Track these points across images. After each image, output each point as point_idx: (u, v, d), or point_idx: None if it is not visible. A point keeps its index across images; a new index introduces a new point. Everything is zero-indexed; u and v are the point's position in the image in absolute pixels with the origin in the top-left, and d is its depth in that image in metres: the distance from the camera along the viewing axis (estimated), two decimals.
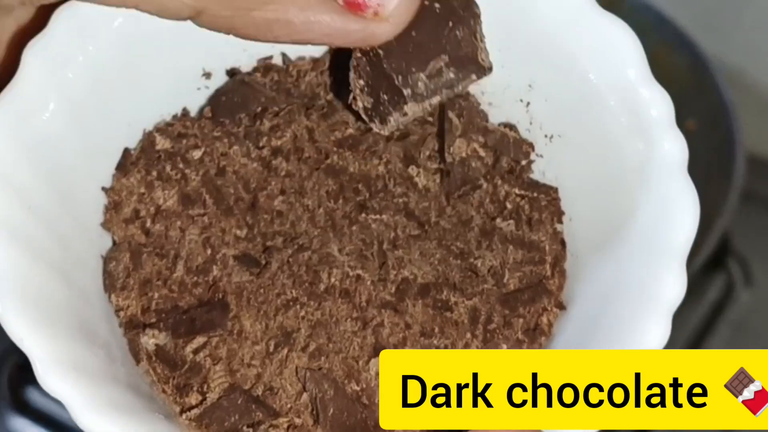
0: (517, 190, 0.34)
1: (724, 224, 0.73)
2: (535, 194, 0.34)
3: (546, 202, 0.34)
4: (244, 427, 0.30)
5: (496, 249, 0.33)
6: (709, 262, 0.73)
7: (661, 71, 0.91)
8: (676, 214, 0.30)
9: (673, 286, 0.30)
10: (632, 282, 0.30)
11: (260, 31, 0.27)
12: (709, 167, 0.79)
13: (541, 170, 0.35)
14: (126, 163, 0.33)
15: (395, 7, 0.28)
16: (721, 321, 0.87)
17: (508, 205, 0.33)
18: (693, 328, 0.87)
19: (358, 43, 0.28)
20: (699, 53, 0.83)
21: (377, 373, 0.30)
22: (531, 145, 0.35)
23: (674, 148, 0.32)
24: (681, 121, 0.90)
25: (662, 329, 0.30)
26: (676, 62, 0.84)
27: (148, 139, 0.33)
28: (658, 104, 0.33)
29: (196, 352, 0.31)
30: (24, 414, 0.82)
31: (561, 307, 0.32)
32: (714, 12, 0.99)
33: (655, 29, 0.86)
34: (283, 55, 0.35)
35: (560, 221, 0.34)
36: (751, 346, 0.86)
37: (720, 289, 0.90)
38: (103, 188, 0.33)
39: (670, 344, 0.94)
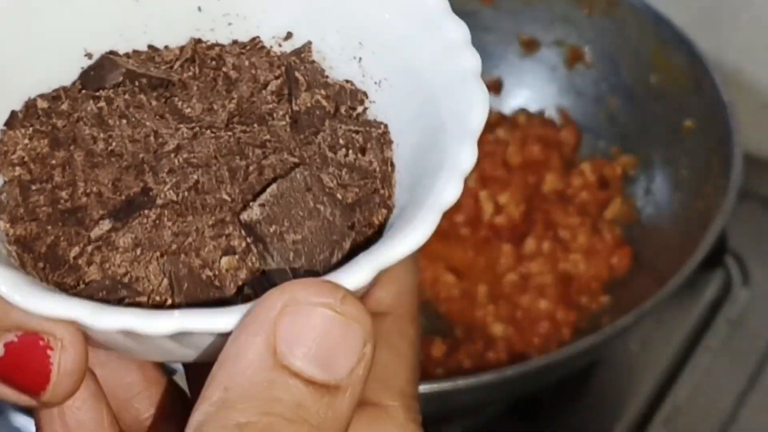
0: (352, 127, 0.40)
1: (722, 223, 0.74)
2: (367, 129, 0.40)
3: (377, 134, 0.40)
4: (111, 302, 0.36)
5: (332, 172, 0.39)
6: (707, 260, 0.73)
7: (659, 71, 0.92)
8: (472, 109, 0.38)
9: (467, 157, 0.37)
10: (437, 162, 0.37)
11: None
12: (707, 166, 0.80)
13: (374, 115, 0.41)
14: (13, 121, 0.40)
15: (53, 395, 0.33)
16: (719, 319, 0.88)
17: (344, 140, 0.40)
18: (691, 325, 0.87)
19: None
20: (697, 53, 0.83)
21: (227, 268, 0.36)
22: (365, 94, 0.41)
23: (470, 62, 0.39)
24: (679, 121, 0.91)
25: (457, 188, 0.36)
26: (674, 62, 0.85)
27: (31, 102, 0.41)
28: (455, 29, 0.40)
29: (74, 258, 0.37)
30: (27, 411, 0.82)
31: (388, 208, 0.39)
32: (712, 12, 1.00)
33: (653, 29, 0.87)
34: (149, 46, 0.42)
35: (390, 149, 0.40)
36: (747, 344, 0.86)
37: (717, 288, 0.90)
38: None
39: (670, 342, 0.95)
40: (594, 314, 0.80)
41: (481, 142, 0.94)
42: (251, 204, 0.37)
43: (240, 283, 0.36)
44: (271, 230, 0.36)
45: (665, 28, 0.86)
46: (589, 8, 0.91)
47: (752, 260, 0.92)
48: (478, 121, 0.38)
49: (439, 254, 0.85)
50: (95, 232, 0.37)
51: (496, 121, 0.95)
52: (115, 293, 0.36)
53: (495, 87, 0.97)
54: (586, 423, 0.81)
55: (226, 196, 0.38)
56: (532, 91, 0.96)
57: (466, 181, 0.36)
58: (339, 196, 0.38)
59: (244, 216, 0.37)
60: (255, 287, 0.36)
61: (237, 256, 0.36)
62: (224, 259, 0.36)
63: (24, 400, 0.34)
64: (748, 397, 0.83)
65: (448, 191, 0.36)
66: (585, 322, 0.80)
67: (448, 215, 0.89)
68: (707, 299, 0.90)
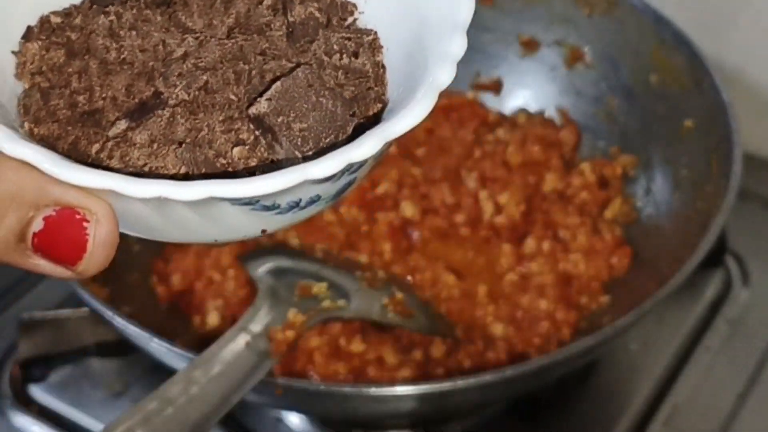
0: (344, 35, 0.44)
1: (722, 223, 0.74)
2: (359, 36, 0.44)
3: (367, 40, 0.44)
4: None
5: (329, 74, 0.42)
6: (707, 260, 0.73)
7: (659, 71, 0.92)
8: (457, 6, 0.42)
9: (458, 45, 0.40)
10: (428, 56, 0.41)
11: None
12: (706, 166, 0.80)
13: (364, 24, 0.45)
14: (29, 34, 0.43)
15: (87, 266, 0.37)
16: (719, 318, 0.88)
17: (338, 46, 0.43)
18: (691, 325, 0.87)
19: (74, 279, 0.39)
20: (696, 53, 0.84)
21: (239, 157, 0.40)
22: (354, 5, 0.45)
23: None
24: (679, 121, 0.91)
25: (451, 71, 0.40)
26: (675, 62, 0.85)
27: (45, 18, 0.44)
28: None
29: (96, 153, 0.40)
30: (27, 411, 0.82)
31: (383, 102, 0.43)
32: (711, 12, 1.00)
33: (654, 29, 0.87)
34: None
35: (380, 53, 0.44)
36: (747, 343, 0.87)
37: (717, 287, 0.91)
38: (13, 51, 0.43)
39: (670, 341, 0.95)
40: (594, 314, 0.80)
41: (481, 142, 0.95)
42: (258, 99, 0.40)
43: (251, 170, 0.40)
44: (279, 120, 0.40)
45: (665, 28, 0.86)
46: (589, 8, 0.91)
47: (752, 260, 0.92)
48: (464, 14, 0.42)
49: (439, 254, 0.85)
50: (113, 131, 0.40)
51: (496, 121, 0.95)
52: None
53: (495, 87, 0.97)
54: (586, 423, 0.81)
55: (233, 96, 0.41)
56: (532, 91, 0.96)
57: (458, 67, 0.40)
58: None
59: (253, 110, 0.40)
60: (266, 172, 0.38)
61: (247, 147, 0.40)
62: (235, 150, 0.40)
63: (59, 271, 0.37)
64: (748, 396, 0.83)
65: (443, 74, 0.39)
66: (585, 322, 0.80)
67: (448, 215, 0.89)
68: (707, 299, 0.90)
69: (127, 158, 0.39)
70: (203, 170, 0.39)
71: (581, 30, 0.92)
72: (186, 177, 0.39)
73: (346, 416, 0.66)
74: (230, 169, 0.39)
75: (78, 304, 0.86)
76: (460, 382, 0.64)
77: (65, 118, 0.41)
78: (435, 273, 0.82)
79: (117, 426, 0.60)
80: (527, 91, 0.96)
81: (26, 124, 0.41)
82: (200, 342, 0.79)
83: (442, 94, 0.39)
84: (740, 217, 0.85)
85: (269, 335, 0.69)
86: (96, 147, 0.40)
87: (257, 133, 0.40)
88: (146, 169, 0.39)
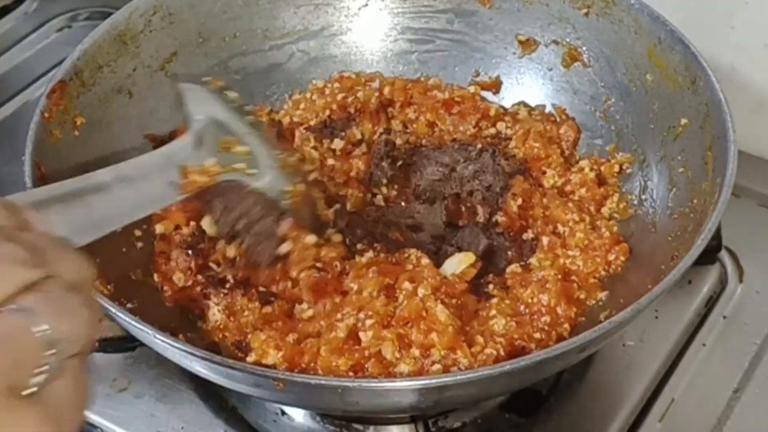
0: None
1: (717, 220, 0.74)
2: None
3: None
4: None
5: None
6: (702, 257, 0.74)
7: (655, 70, 0.92)
8: None
9: None
10: None
11: None
12: (702, 164, 0.81)
13: None
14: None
15: None
16: (714, 314, 0.89)
17: None
18: (687, 321, 0.88)
19: None
20: (692, 52, 0.84)
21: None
22: None
23: None
24: (675, 119, 0.91)
25: None
26: (670, 61, 0.86)
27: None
28: None
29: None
30: None
31: None
32: (707, 11, 1.01)
33: (650, 29, 0.87)
34: None
35: None
36: (743, 338, 0.87)
37: (713, 283, 0.91)
38: None
39: (666, 337, 0.95)
40: (592, 309, 0.81)
41: (483, 135, 0.95)
42: None
43: None
44: None
45: (661, 27, 0.86)
46: (587, 8, 0.92)
47: (747, 256, 0.93)
48: None
49: None
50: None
51: (497, 115, 0.95)
52: None
53: (494, 86, 0.98)
54: (583, 416, 0.82)
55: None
56: (530, 90, 0.97)
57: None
58: None
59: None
60: None
61: None
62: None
63: None
64: (743, 391, 0.83)
65: None
66: (583, 317, 0.80)
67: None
68: (703, 295, 0.90)
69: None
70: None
71: (578, 30, 0.93)
72: None
73: (347, 410, 0.66)
74: None
75: None
76: (460, 376, 0.65)
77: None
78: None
79: (37, 195, 0.61)
80: (525, 90, 0.97)
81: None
82: (202, 338, 0.80)
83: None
84: (735, 214, 0.86)
85: (184, 172, 0.71)
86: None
87: None
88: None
